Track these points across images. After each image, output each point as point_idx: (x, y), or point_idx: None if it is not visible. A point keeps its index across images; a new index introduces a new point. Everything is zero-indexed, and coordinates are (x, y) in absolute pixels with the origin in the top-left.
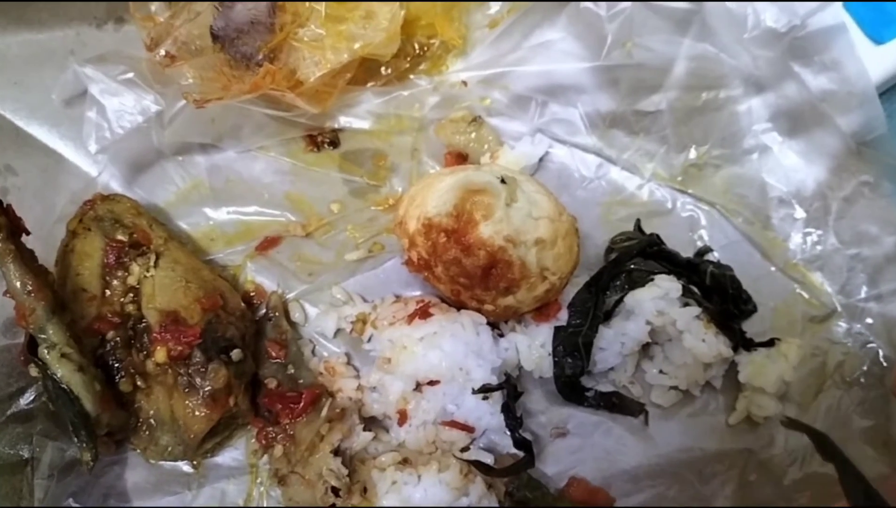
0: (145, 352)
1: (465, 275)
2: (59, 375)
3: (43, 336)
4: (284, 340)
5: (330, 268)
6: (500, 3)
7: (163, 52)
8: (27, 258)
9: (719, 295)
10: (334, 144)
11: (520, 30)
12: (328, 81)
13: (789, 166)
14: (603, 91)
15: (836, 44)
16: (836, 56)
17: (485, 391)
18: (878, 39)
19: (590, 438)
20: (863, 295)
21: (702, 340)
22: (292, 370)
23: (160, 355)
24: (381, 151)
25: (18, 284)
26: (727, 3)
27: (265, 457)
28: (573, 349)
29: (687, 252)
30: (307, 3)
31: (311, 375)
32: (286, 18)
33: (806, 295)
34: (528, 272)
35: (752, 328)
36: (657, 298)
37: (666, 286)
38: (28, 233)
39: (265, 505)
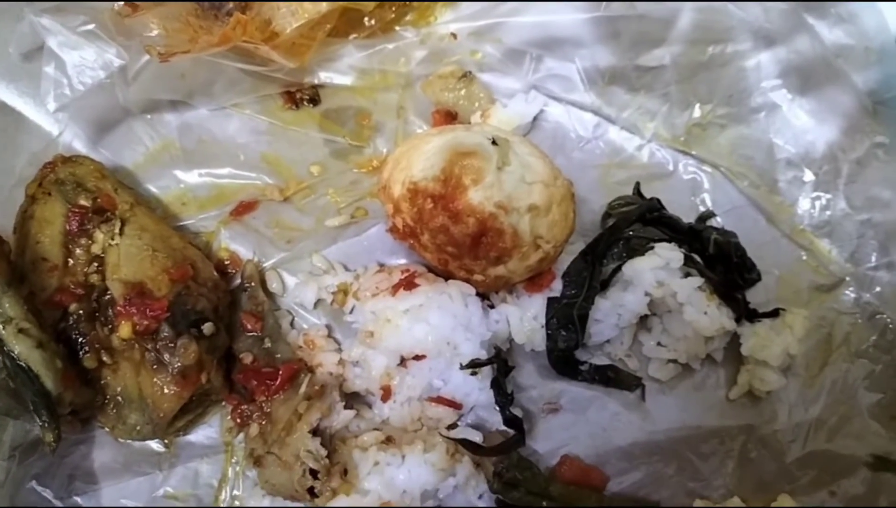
0: (110, 326)
1: (453, 243)
2: (16, 352)
3: None
4: (261, 312)
5: (309, 235)
6: None
7: (122, 3)
8: None
9: (723, 264)
10: (314, 101)
11: None
12: (306, 32)
13: (799, 126)
14: (602, 44)
15: None
16: (854, 8)
17: (474, 366)
18: None
19: (583, 414)
20: (873, 263)
21: (703, 312)
22: (269, 344)
23: (125, 330)
24: (365, 109)
25: None
26: None
27: (240, 436)
28: (567, 321)
29: (689, 217)
30: None
31: (289, 349)
32: None
33: (813, 263)
34: (521, 241)
35: (755, 297)
36: (657, 268)
37: (667, 256)
38: None
39: (240, 486)
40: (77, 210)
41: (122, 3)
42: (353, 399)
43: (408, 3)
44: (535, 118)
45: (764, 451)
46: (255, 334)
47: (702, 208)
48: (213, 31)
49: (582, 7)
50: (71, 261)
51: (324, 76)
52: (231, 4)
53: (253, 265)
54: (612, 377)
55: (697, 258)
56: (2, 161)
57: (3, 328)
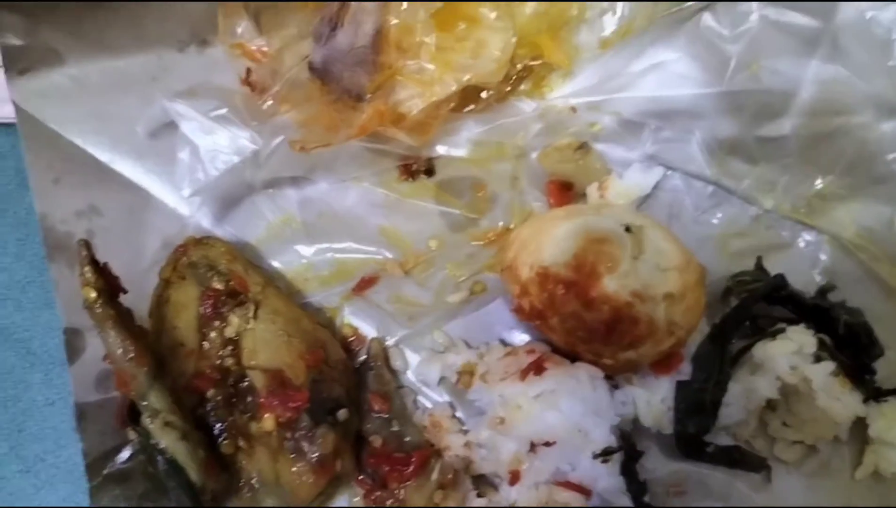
0: (249, 413)
1: (585, 330)
2: (162, 445)
3: (145, 403)
4: (388, 392)
5: (430, 310)
6: (614, 23)
7: (270, 101)
8: (126, 321)
9: (852, 345)
10: (429, 172)
11: (631, 50)
12: (431, 111)
13: None
14: (723, 117)
15: None
16: None
17: (606, 454)
18: None
19: (709, 497)
20: None
21: (837, 399)
22: (397, 427)
23: (269, 423)
24: (480, 180)
25: (119, 350)
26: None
27: None
28: (699, 407)
29: (806, 289)
30: (416, 38)
31: (416, 431)
32: (391, 56)
33: None
34: (656, 329)
35: (878, 373)
36: (790, 353)
37: (799, 340)
38: (125, 292)
39: None
40: (211, 293)
41: (270, 102)
42: (479, 481)
43: (525, 75)
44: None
45: None
46: (382, 415)
47: (820, 280)
48: (351, 121)
49: (702, 81)
50: (206, 345)
51: (440, 150)
52: (368, 95)
53: (378, 344)
54: (738, 459)
55: (829, 341)
56: (132, 241)
57: (151, 421)
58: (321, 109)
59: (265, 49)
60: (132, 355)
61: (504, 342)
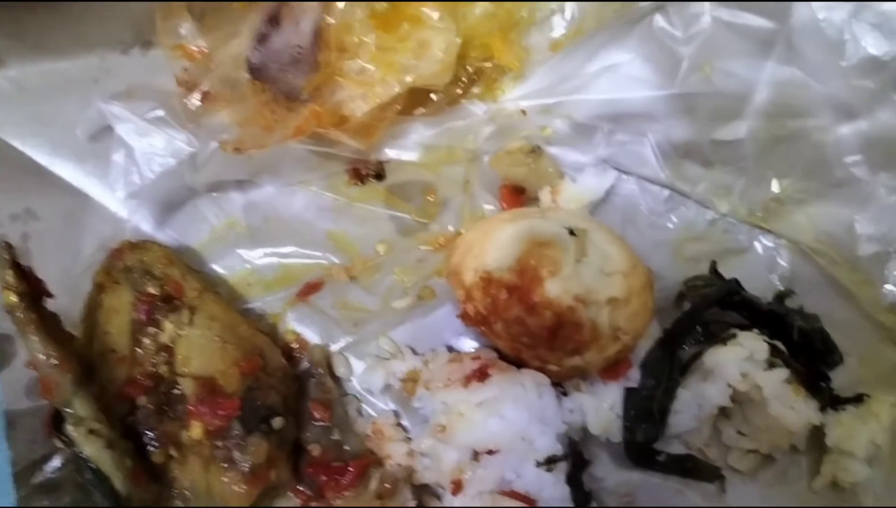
0: (180, 421)
1: (529, 335)
2: (86, 453)
3: (69, 410)
4: (329, 400)
5: (376, 316)
6: (563, 25)
7: (197, 100)
8: (51, 327)
9: (807, 352)
10: (379, 176)
11: (584, 52)
12: (376, 113)
13: (881, 202)
14: (676, 119)
15: None
16: None
17: (551, 462)
18: None
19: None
20: None
21: (790, 407)
22: (337, 436)
23: (196, 431)
24: (430, 184)
25: (42, 356)
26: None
27: None
28: (647, 414)
29: (765, 295)
30: (355, 38)
31: (357, 440)
32: (331, 54)
33: None
34: (600, 334)
35: (836, 379)
36: (741, 359)
37: (751, 346)
38: (51, 296)
39: None
40: (145, 299)
41: (197, 101)
42: (422, 491)
43: (475, 78)
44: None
45: None
46: (322, 423)
47: (779, 285)
48: (287, 122)
49: (655, 83)
50: (139, 351)
51: (390, 153)
52: (305, 94)
53: (321, 351)
54: (690, 468)
55: (782, 347)
56: (69, 245)
57: (75, 428)
58: (257, 110)
59: (206, 50)
60: (55, 361)
61: (451, 349)
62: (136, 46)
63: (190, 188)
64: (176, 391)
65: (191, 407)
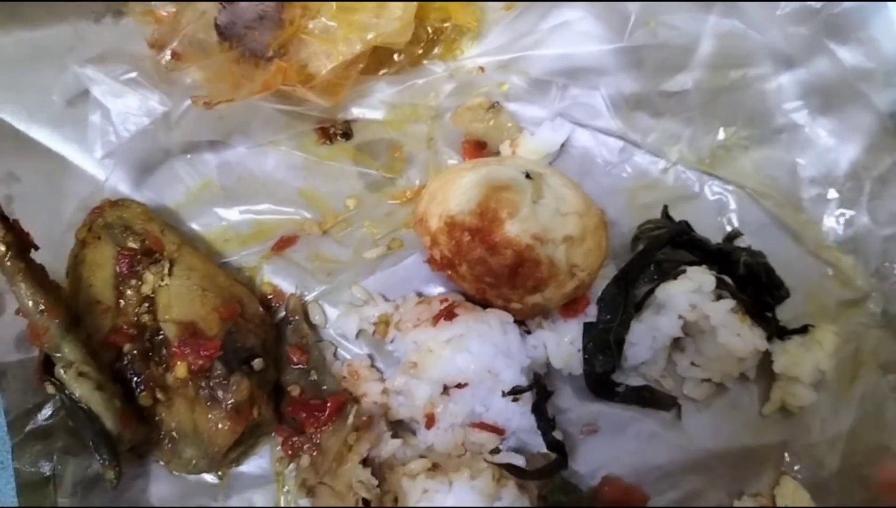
0: (164, 365)
1: (491, 274)
2: (77, 394)
3: (58, 355)
4: (305, 344)
5: (349, 267)
6: None
7: (168, 56)
8: (38, 275)
9: (753, 285)
10: (347, 135)
11: (537, 10)
12: (340, 72)
13: (821, 146)
14: (626, 72)
15: (873, 21)
16: (874, 33)
17: (515, 392)
18: None
19: (621, 434)
20: None
21: (737, 334)
22: (315, 376)
23: (180, 370)
24: (396, 142)
25: (30, 303)
26: None
27: (291, 465)
28: (604, 346)
29: (716, 237)
30: None
31: (334, 380)
32: (295, 12)
33: (839, 279)
34: (557, 270)
35: (784, 313)
36: (690, 292)
37: (699, 279)
38: (37, 248)
39: None
40: (126, 253)
41: (168, 57)
42: (398, 427)
43: (435, 38)
44: (562, 145)
45: (800, 466)
46: (301, 366)
47: (728, 228)
48: (254, 78)
49: (605, 38)
50: (122, 302)
51: (356, 112)
52: (270, 52)
53: (296, 299)
54: (648, 398)
55: (729, 280)
56: (50, 206)
57: (65, 371)
58: (225, 67)
59: (175, 12)
60: (43, 307)
61: (420, 295)
62: (107, 15)
63: (165, 149)
64: (159, 338)
65: (174, 349)
